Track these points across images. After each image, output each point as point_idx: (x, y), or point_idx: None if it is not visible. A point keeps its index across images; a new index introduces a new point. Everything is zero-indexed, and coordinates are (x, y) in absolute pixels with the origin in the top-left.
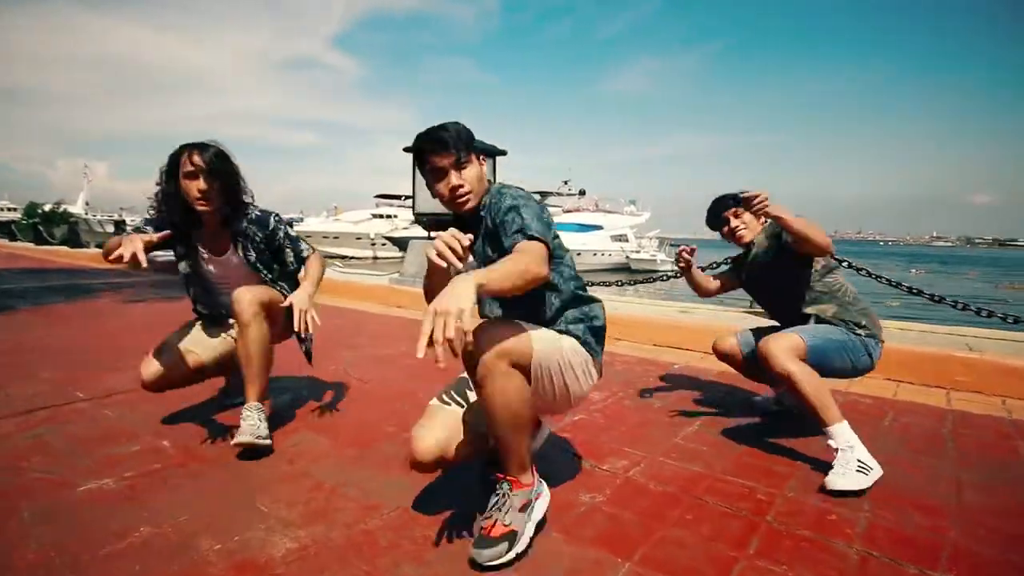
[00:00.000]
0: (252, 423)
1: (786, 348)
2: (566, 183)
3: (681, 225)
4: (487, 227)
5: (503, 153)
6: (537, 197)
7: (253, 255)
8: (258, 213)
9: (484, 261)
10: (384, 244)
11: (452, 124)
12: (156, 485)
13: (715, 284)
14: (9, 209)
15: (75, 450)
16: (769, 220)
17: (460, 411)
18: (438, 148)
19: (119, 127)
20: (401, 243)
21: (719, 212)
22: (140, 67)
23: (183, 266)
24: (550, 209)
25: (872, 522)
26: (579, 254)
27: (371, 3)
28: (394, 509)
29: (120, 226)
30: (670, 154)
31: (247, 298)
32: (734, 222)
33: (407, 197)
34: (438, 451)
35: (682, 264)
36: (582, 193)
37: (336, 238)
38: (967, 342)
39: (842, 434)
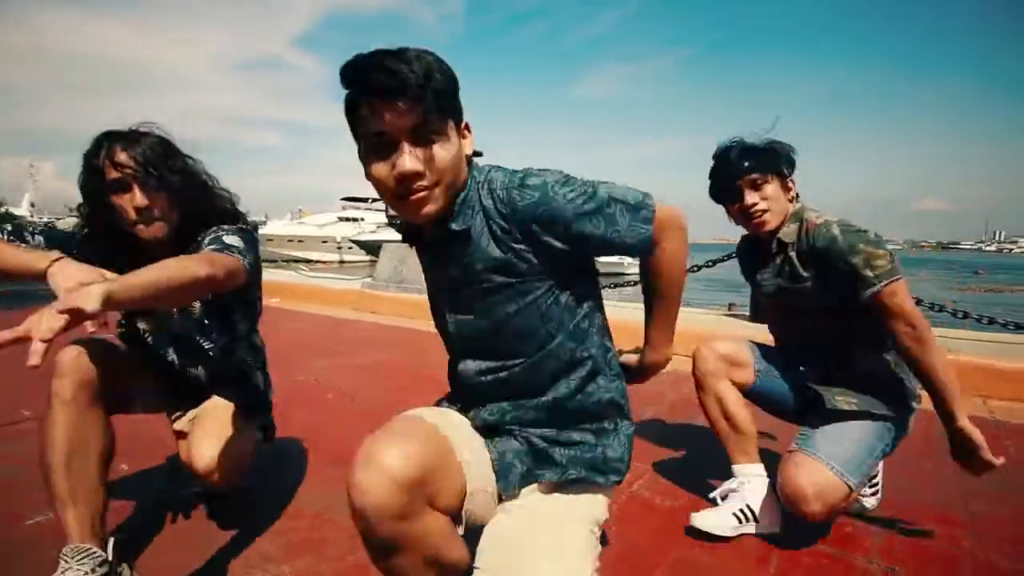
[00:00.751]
0: None
1: (826, 494)
2: None
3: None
4: (498, 244)
5: (479, 155)
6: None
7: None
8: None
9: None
10: (351, 248)
11: (419, 53)
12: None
13: None
14: None
15: (21, 475)
16: (820, 219)
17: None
18: (388, 92)
19: (70, 124)
20: (368, 247)
21: (730, 178)
22: (95, 62)
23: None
24: None
25: (889, 535)
26: None
27: (333, 2)
28: None
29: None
30: (649, 157)
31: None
32: (750, 197)
33: (374, 200)
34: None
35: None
36: None
37: (301, 241)
38: (947, 344)
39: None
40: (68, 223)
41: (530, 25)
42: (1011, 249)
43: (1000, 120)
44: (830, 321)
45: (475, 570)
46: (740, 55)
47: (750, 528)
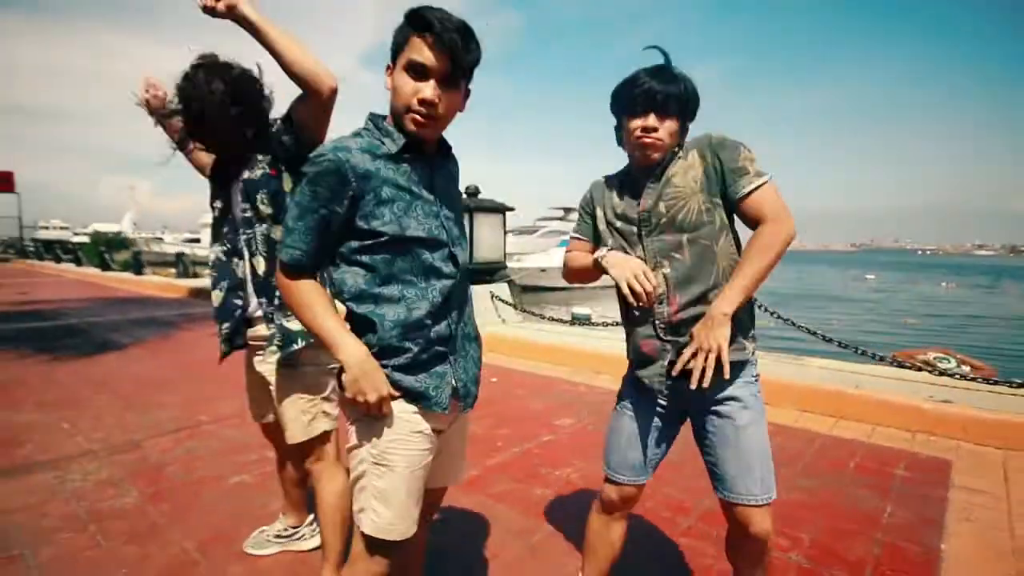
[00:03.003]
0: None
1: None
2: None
3: None
4: (451, 173)
5: (511, 209)
6: (560, 212)
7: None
8: None
9: (442, 202)
10: None
11: (465, 30)
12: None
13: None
14: (61, 227)
15: (216, 457)
16: (704, 140)
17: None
18: (437, 42)
19: (145, 147)
20: None
21: (650, 94)
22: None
23: None
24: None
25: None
26: None
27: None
28: None
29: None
30: None
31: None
32: (651, 119)
33: None
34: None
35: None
36: None
37: None
38: (856, 379)
39: None
40: (175, 238)
41: (579, 38)
42: None
43: None
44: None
45: None
46: (806, 52)
47: None
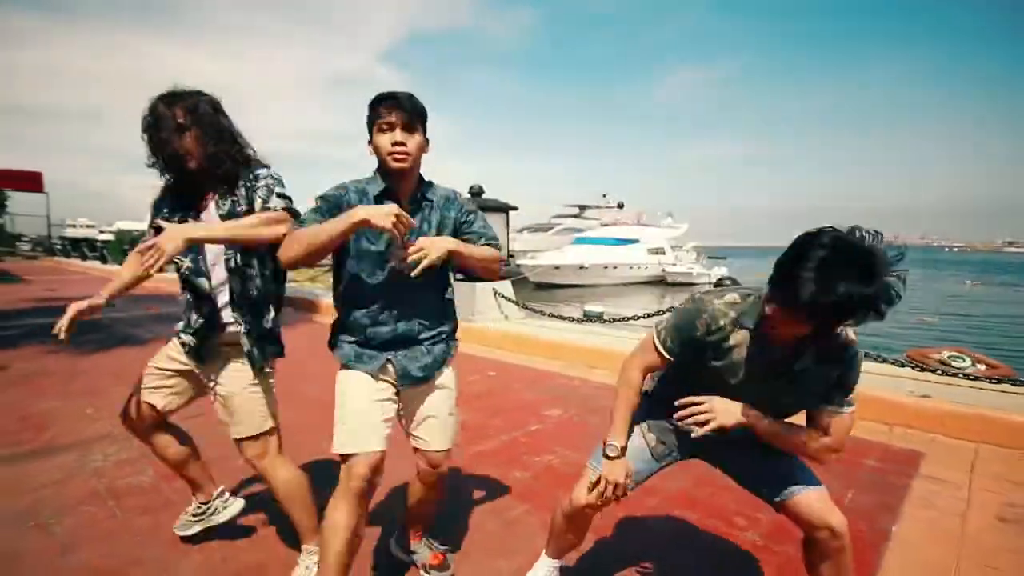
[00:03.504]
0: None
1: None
2: (604, 196)
3: (718, 235)
4: (437, 213)
5: (514, 208)
6: (575, 210)
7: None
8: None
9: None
10: None
11: (409, 94)
12: None
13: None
14: (88, 226)
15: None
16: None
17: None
18: (393, 104)
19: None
20: None
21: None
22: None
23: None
24: (589, 222)
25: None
26: (616, 267)
27: (414, 19)
28: None
29: None
30: (713, 162)
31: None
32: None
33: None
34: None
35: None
36: (620, 206)
37: None
38: None
39: None
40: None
41: (599, 31)
42: None
43: None
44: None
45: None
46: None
47: None
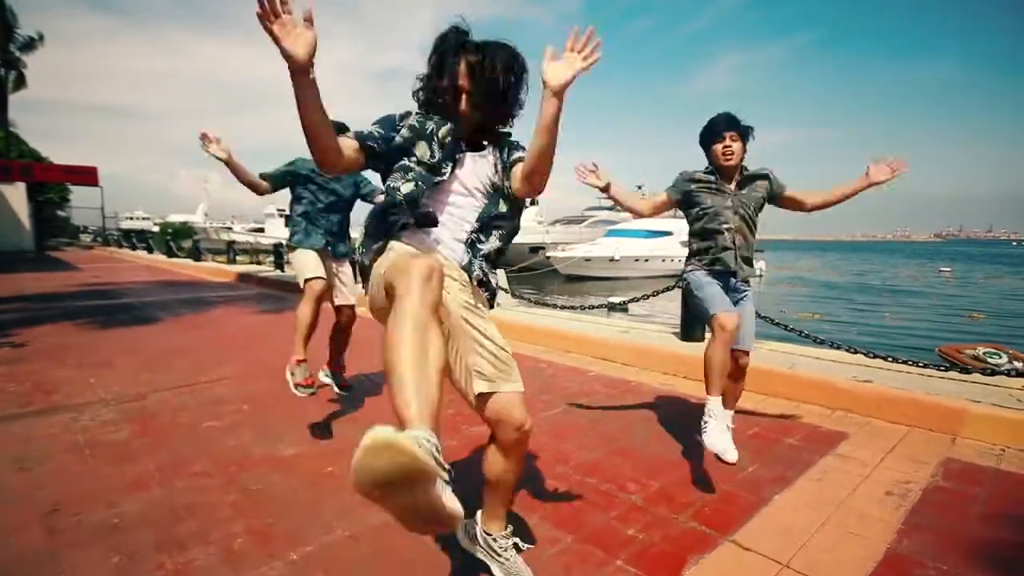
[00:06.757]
0: None
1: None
2: (639, 187)
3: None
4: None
5: (535, 203)
6: (609, 202)
7: None
8: None
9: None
10: None
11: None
12: (239, 424)
13: (647, 204)
14: (143, 218)
15: (200, 408)
16: (742, 165)
17: None
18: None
19: (231, 138)
20: None
21: (722, 129)
22: (245, 84)
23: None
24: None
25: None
26: (647, 260)
27: (451, 10)
28: None
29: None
30: (752, 150)
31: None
32: (729, 143)
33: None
34: None
35: (591, 182)
36: None
37: None
38: (794, 360)
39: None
40: (243, 226)
41: (643, 19)
42: None
43: None
44: (754, 224)
45: None
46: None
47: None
